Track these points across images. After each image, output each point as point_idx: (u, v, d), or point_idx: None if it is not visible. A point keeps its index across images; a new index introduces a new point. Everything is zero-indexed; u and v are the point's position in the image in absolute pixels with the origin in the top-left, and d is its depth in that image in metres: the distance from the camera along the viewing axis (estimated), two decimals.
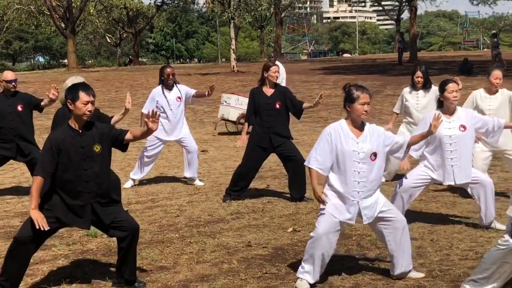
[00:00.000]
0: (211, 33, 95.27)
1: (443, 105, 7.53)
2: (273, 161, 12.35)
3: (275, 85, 9.47)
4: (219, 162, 13.11)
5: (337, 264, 6.51)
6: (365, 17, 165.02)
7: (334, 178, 5.96)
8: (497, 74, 9.05)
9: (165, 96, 10.45)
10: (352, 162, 5.87)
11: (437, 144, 7.48)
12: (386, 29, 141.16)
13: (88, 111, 5.61)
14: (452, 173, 7.47)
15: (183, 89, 10.66)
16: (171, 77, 10.46)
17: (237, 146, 10.18)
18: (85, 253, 7.01)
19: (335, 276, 6.19)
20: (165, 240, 7.56)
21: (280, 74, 17.45)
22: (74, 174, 5.59)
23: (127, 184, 10.59)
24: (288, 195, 9.57)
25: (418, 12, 53.01)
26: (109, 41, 77.20)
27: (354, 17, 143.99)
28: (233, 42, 37.87)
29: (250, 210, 8.93)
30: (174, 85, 10.59)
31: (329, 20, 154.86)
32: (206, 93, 10.54)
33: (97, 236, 7.60)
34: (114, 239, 7.43)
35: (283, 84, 17.28)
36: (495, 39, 34.38)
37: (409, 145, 6.31)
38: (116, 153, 13.76)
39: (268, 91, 9.41)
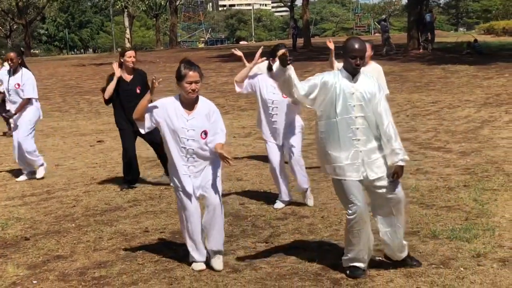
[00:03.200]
0: (105, 22, 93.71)
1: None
2: None
3: (133, 70, 9.45)
4: (115, 152, 13.06)
5: (233, 245, 6.72)
6: (260, 4, 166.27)
7: (169, 152, 5.98)
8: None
9: (8, 79, 10.46)
10: (180, 138, 5.89)
11: (264, 108, 8.09)
12: (281, 15, 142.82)
13: None
14: (277, 133, 8.07)
15: (26, 78, 10.40)
16: (9, 61, 10.43)
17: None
18: None
19: (229, 256, 6.38)
20: (61, 230, 7.54)
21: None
22: None
23: (21, 177, 10.45)
24: None
25: None
26: None
27: (249, 4, 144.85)
28: (128, 31, 37.65)
29: (147, 197, 9.01)
30: (20, 71, 10.45)
31: (225, 8, 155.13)
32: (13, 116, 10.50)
33: None
34: (9, 231, 7.44)
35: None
36: (385, 23, 35.49)
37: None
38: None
39: (127, 77, 9.37)
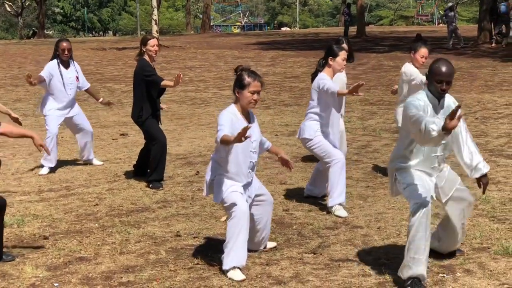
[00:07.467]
0: (128, 2, 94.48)
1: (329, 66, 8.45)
2: (203, 145, 12.66)
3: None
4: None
5: (276, 254, 6.87)
6: None
7: (233, 168, 6.28)
8: (423, 52, 9.69)
9: (61, 73, 10.73)
10: (248, 152, 6.28)
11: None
12: (331, 0, 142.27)
13: None
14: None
15: (79, 72, 11.10)
16: (66, 52, 10.69)
17: None
18: None
19: (273, 266, 6.54)
20: (83, 230, 7.77)
21: None
22: None
23: (43, 171, 10.70)
24: None
25: None
26: (9, 9, 75.71)
27: None
28: (155, 12, 37.72)
29: (178, 198, 9.20)
30: (71, 62, 10.92)
31: None
32: (100, 100, 11.44)
33: (6, 226, 7.75)
34: (25, 229, 7.68)
35: None
36: (452, 13, 35.29)
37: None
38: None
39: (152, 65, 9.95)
